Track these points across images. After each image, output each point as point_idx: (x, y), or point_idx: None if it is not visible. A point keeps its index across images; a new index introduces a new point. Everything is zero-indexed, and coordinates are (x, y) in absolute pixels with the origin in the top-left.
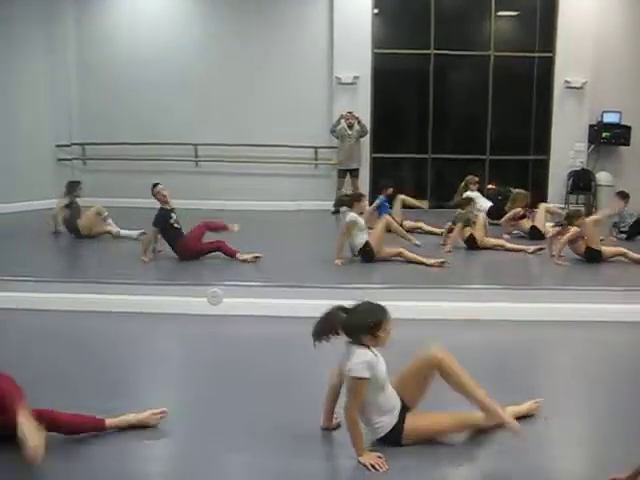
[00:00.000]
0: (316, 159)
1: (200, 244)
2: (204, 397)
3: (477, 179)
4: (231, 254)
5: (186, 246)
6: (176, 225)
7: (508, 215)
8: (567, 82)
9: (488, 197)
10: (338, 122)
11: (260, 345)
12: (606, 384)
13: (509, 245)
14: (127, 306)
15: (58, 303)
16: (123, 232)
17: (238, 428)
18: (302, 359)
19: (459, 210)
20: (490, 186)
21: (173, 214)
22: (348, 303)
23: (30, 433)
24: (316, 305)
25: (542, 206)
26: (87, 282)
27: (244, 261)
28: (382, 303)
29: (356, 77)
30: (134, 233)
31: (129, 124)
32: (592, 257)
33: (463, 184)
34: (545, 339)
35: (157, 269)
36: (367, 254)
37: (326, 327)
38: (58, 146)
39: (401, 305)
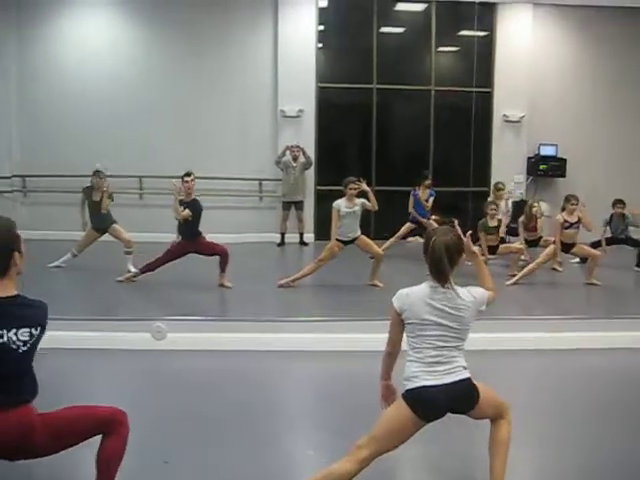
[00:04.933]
0: (261, 191)
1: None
2: (147, 444)
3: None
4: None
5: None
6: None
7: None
8: (505, 116)
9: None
10: (283, 153)
11: (206, 381)
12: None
13: None
14: (68, 343)
15: None
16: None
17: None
18: (252, 394)
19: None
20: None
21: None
22: None
23: None
24: (261, 339)
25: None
26: None
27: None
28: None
29: (300, 110)
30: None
31: (71, 156)
32: None
33: None
34: None
35: (96, 303)
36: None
37: None
38: None
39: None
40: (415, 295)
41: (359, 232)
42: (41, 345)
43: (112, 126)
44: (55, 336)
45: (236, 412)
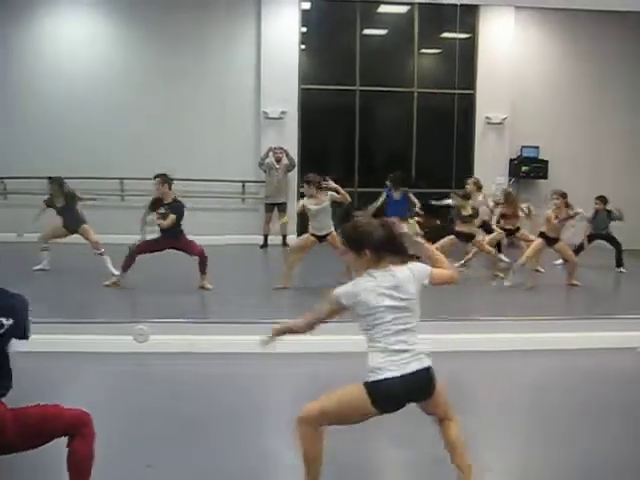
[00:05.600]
0: (243, 193)
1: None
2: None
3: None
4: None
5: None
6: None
7: None
8: (488, 118)
9: None
10: (266, 155)
11: (189, 383)
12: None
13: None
14: (50, 346)
15: None
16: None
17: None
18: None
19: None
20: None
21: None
22: None
23: None
24: (244, 341)
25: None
26: None
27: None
28: None
29: (283, 112)
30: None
31: (52, 157)
32: None
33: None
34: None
35: (79, 305)
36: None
37: None
38: None
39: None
40: (360, 287)
41: (332, 228)
42: (20, 349)
43: (92, 127)
44: (36, 339)
45: (219, 414)
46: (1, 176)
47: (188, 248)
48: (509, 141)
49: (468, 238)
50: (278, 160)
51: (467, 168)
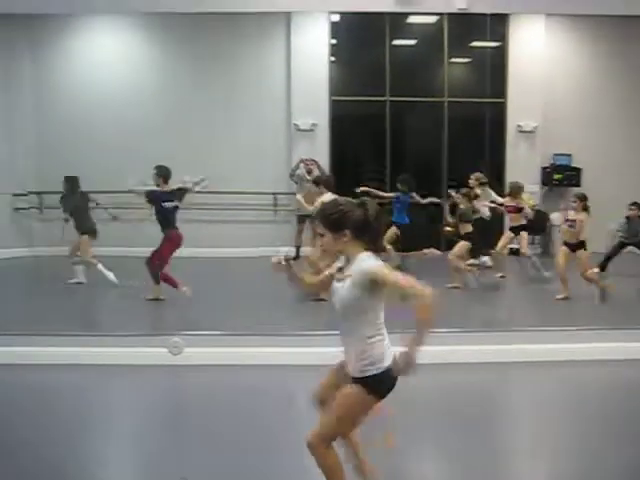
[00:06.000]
0: (275, 205)
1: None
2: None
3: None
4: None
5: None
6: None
7: None
8: (519, 126)
9: None
10: (297, 166)
11: (224, 395)
12: None
13: None
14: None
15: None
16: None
17: None
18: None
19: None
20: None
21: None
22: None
23: None
24: (277, 353)
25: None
26: (41, 335)
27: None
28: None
29: (314, 124)
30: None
31: (87, 171)
32: None
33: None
34: None
35: (110, 318)
36: None
37: None
38: (15, 195)
39: None
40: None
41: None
42: (58, 361)
43: (126, 142)
44: (73, 352)
45: (254, 427)
46: (38, 191)
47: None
48: (541, 149)
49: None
50: (309, 172)
51: (499, 177)
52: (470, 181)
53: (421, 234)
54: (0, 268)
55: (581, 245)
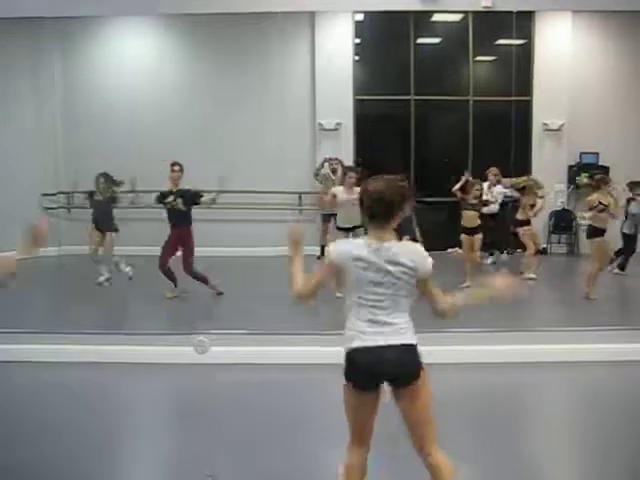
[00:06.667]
0: (300, 204)
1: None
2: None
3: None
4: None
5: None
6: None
7: None
8: (545, 124)
9: None
10: (322, 165)
11: (249, 394)
12: None
13: None
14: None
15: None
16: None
17: None
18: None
19: None
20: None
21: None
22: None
23: None
24: (302, 352)
25: None
26: (69, 334)
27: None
28: None
29: (338, 123)
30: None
31: (114, 172)
32: None
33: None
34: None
35: (136, 317)
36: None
37: None
38: (44, 195)
39: None
40: None
41: (360, 222)
42: (87, 359)
43: (152, 141)
44: (100, 350)
45: (279, 425)
46: (67, 191)
47: (188, 245)
48: (567, 148)
49: (471, 231)
50: (334, 171)
51: (525, 176)
52: (490, 177)
53: (443, 233)
54: (29, 267)
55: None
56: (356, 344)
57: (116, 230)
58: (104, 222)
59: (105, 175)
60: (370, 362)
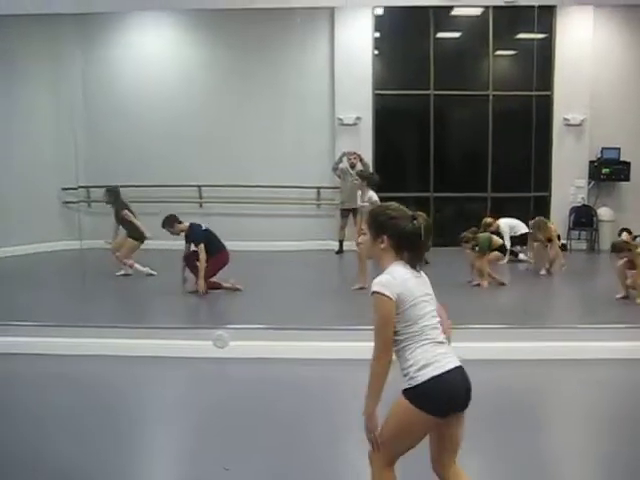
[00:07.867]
0: (319, 199)
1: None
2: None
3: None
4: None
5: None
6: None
7: None
8: (566, 119)
9: None
10: (340, 160)
11: (268, 389)
12: None
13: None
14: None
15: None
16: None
17: None
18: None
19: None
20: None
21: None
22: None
23: None
24: (321, 347)
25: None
26: (89, 327)
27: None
28: None
29: (358, 118)
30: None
31: (134, 166)
32: None
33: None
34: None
35: (156, 311)
36: None
37: None
38: (64, 189)
39: None
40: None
41: (359, 203)
42: (106, 352)
43: (171, 137)
44: (120, 344)
45: (296, 419)
46: (86, 185)
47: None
48: (588, 143)
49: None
50: (352, 165)
51: (545, 171)
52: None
53: (461, 229)
54: (49, 260)
55: None
56: (438, 371)
57: (137, 239)
58: (125, 228)
59: (109, 190)
60: (457, 386)
